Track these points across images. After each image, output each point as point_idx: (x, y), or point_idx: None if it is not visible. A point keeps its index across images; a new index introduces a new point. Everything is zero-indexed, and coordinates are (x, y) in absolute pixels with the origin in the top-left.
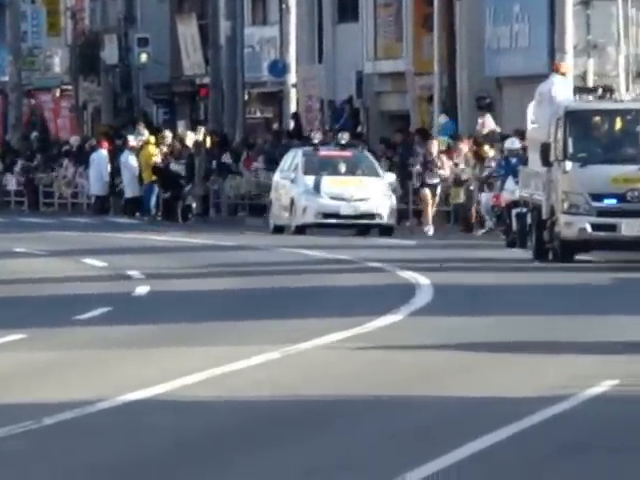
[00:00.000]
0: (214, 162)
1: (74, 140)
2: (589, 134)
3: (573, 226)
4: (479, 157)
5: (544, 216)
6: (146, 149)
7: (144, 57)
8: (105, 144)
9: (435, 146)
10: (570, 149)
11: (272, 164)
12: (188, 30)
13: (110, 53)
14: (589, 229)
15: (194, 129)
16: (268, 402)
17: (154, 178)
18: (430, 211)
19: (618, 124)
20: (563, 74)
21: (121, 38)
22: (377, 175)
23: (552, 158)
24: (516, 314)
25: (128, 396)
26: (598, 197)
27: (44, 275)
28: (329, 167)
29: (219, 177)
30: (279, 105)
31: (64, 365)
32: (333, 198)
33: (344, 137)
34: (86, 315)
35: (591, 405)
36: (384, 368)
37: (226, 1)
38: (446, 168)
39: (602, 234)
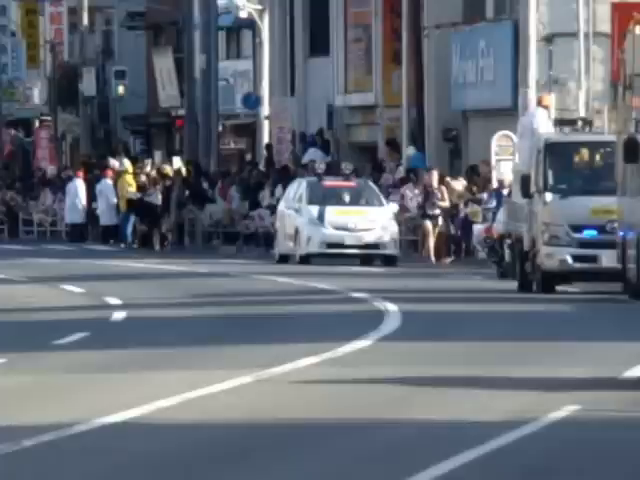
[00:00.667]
0: (187, 192)
1: (51, 170)
2: (569, 166)
3: (554, 257)
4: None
5: (526, 247)
6: (123, 178)
7: (121, 89)
8: (80, 173)
9: (435, 177)
10: (550, 180)
11: (246, 193)
12: (164, 63)
13: (88, 85)
14: (570, 260)
15: (170, 160)
16: (241, 425)
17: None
18: (431, 242)
19: (597, 156)
20: (545, 107)
21: (99, 71)
22: (380, 205)
23: (532, 190)
24: (483, 341)
25: (105, 419)
26: (578, 228)
27: (23, 301)
28: (333, 197)
29: (194, 206)
30: (252, 136)
31: (43, 389)
32: (337, 228)
33: (348, 167)
34: (64, 340)
35: (553, 429)
36: (352, 392)
37: (201, 35)
38: (446, 199)
39: (583, 265)
